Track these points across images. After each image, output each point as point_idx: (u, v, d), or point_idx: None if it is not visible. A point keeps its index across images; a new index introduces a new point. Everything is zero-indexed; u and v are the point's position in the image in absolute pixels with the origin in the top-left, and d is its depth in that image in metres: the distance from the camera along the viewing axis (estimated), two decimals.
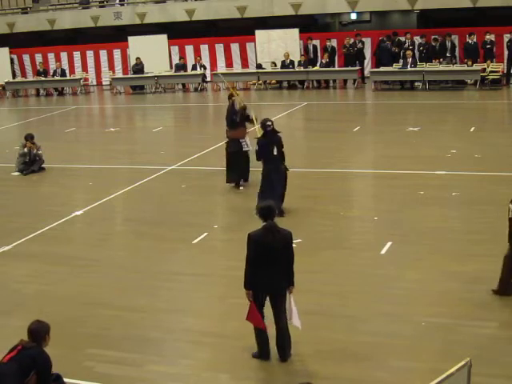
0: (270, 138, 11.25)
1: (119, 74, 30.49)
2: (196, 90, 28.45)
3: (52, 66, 31.00)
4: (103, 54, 31.22)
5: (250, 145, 13.17)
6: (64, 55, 31.54)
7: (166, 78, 28.63)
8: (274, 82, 28.08)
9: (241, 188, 13.25)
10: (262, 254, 6.77)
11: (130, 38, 29.67)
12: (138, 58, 28.55)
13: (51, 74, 30.16)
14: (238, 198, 12.77)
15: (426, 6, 27.10)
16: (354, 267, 9.24)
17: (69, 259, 10.11)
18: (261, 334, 6.98)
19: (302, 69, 26.70)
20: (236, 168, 13.25)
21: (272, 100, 25.42)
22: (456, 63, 25.23)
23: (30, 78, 31.44)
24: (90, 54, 31.41)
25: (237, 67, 29.27)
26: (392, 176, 13.58)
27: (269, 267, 6.78)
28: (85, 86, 30.17)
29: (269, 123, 11.24)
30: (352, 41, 26.59)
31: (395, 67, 25.13)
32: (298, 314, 6.90)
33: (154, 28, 30.62)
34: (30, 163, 15.58)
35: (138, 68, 28.67)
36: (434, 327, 7.46)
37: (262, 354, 7.03)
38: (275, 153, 11.21)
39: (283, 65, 27.17)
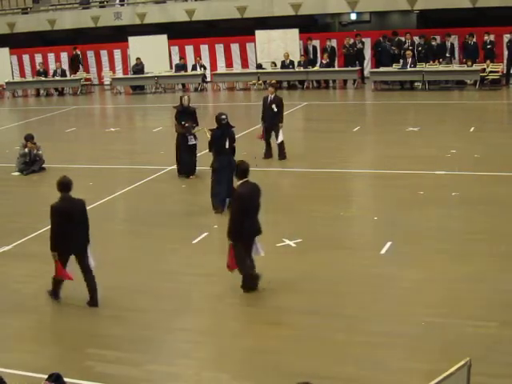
0: (224, 131, 11.70)
1: (119, 74, 30.50)
2: (196, 90, 28.45)
3: (52, 66, 31.00)
4: (103, 54, 31.24)
5: (195, 139, 14.04)
6: (64, 55, 31.55)
7: (165, 78, 28.63)
8: (274, 82, 28.04)
9: (191, 177, 14.10)
10: (65, 220, 8.28)
11: (130, 38, 29.67)
12: (138, 59, 28.56)
13: (51, 74, 30.16)
14: None
15: (425, 7, 27.10)
16: (354, 267, 9.23)
17: (69, 259, 10.08)
18: (58, 282, 8.63)
19: (301, 69, 26.71)
20: (183, 162, 14.18)
21: None
22: (456, 63, 25.26)
23: (29, 78, 31.43)
24: (90, 54, 31.43)
25: (237, 67, 29.26)
26: (392, 176, 13.58)
27: (72, 231, 8.30)
28: (85, 86, 30.18)
29: (223, 117, 11.78)
30: (352, 41, 26.59)
31: (395, 67, 25.13)
32: (91, 256, 8.50)
33: (154, 28, 30.62)
34: (31, 163, 15.58)
35: (138, 68, 28.68)
36: (433, 327, 7.46)
37: (55, 294, 8.69)
38: (227, 146, 11.69)
39: (283, 65, 27.16)
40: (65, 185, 8.63)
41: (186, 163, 14.09)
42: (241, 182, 8.64)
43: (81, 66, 30.52)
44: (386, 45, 25.94)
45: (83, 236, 8.51)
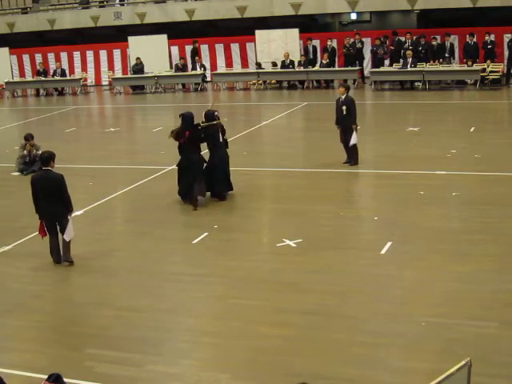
0: (216, 126, 12.31)
1: (119, 74, 30.51)
2: (196, 90, 28.46)
3: (52, 66, 31.02)
4: (103, 54, 31.24)
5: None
6: (64, 55, 31.57)
7: (165, 78, 28.64)
8: (273, 81, 28.08)
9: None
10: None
11: (130, 38, 29.69)
12: (138, 58, 28.57)
13: (51, 74, 30.17)
14: (237, 198, 12.78)
15: (426, 6, 27.12)
16: (354, 267, 9.23)
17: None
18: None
19: (301, 69, 26.71)
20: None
21: (272, 100, 25.42)
22: (456, 63, 25.26)
23: (29, 78, 31.45)
24: (89, 54, 31.45)
25: (237, 67, 29.28)
26: (392, 176, 13.58)
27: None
28: (84, 86, 30.19)
29: (216, 113, 12.36)
30: (352, 41, 26.60)
31: (395, 67, 25.13)
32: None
33: (154, 28, 30.64)
34: (30, 163, 15.58)
35: (138, 68, 28.68)
36: (433, 327, 7.46)
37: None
38: (221, 139, 12.36)
39: (283, 65, 27.17)
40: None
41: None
42: (42, 169, 9.84)
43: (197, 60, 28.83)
44: (374, 48, 26.00)
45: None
